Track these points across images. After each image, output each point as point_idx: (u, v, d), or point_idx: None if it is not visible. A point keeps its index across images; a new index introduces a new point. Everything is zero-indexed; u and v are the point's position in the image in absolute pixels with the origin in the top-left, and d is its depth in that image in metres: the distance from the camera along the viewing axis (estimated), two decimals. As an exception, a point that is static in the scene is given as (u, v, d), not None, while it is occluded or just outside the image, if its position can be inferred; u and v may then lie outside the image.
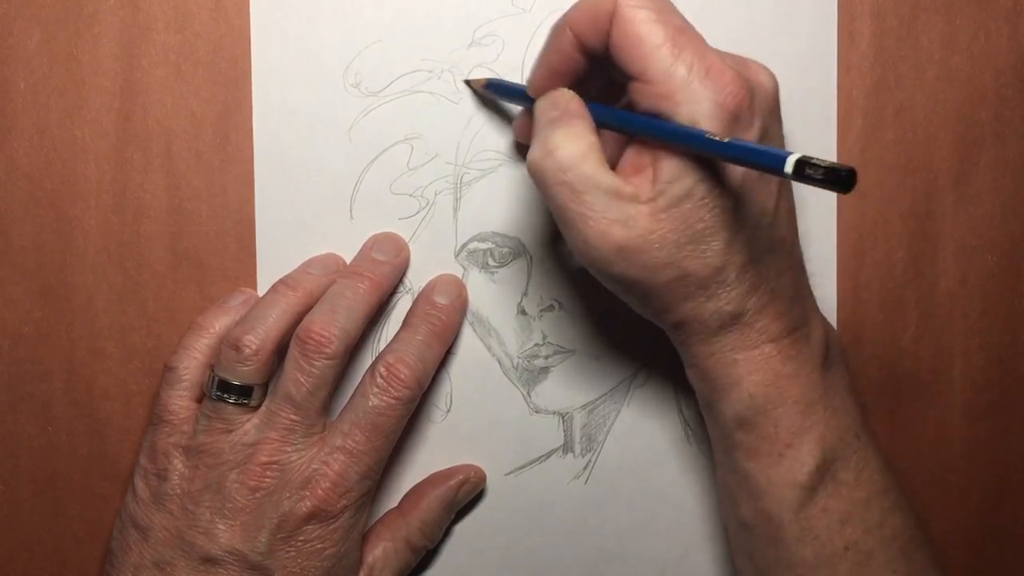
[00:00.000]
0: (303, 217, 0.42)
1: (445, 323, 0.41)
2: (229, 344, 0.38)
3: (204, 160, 0.42)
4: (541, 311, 0.43)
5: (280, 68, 0.41)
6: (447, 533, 0.43)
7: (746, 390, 0.36)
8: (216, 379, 0.38)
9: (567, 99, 0.36)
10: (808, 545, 0.36)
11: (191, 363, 0.40)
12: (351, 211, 0.42)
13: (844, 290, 0.44)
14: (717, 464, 0.40)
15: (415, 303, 0.42)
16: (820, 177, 0.28)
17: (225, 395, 0.38)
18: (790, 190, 0.37)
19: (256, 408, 0.39)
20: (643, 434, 0.44)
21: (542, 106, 0.36)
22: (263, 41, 0.41)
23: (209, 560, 0.37)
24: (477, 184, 0.42)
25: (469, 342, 0.43)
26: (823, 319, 0.38)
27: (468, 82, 0.42)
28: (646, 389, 0.44)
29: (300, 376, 0.38)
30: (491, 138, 0.42)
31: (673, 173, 0.33)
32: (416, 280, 0.42)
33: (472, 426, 0.43)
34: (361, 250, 0.42)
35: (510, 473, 0.44)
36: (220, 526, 0.37)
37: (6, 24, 0.41)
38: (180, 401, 0.39)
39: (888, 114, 0.44)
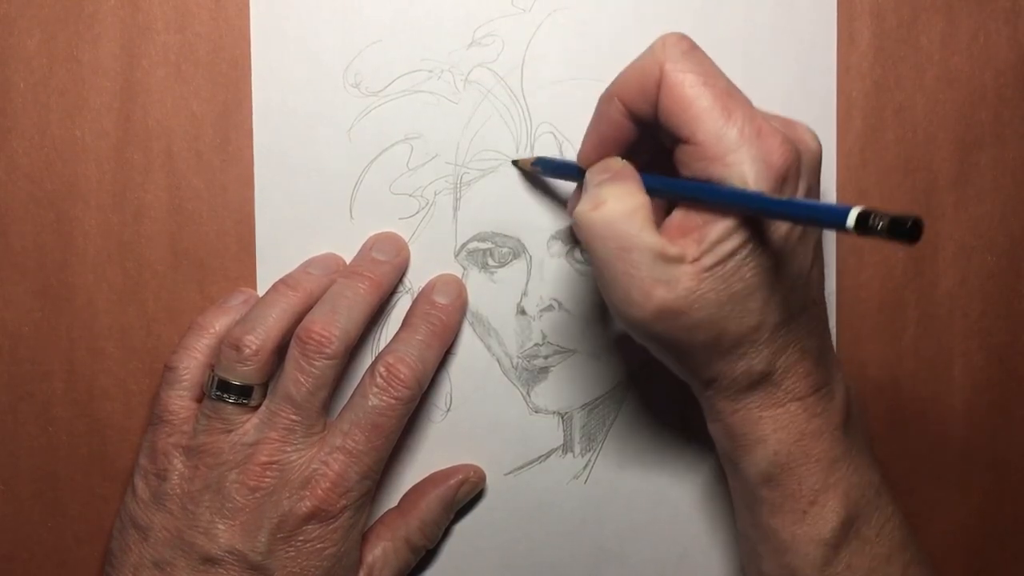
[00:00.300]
0: (303, 217, 0.42)
1: (445, 323, 0.41)
2: (229, 344, 0.38)
3: (204, 160, 0.42)
4: (541, 311, 0.43)
5: (280, 68, 0.41)
6: (447, 533, 0.43)
7: (771, 447, 0.36)
8: (216, 379, 0.38)
9: (618, 164, 0.36)
10: None
11: (191, 363, 0.40)
12: (351, 211, 0.42)
13: (844, 290, 0.44)
14: (739, 517, 0.40)
15: (415, 303, 0.42)
16: (884, 228, 0.27)
17: (225, 395, 0.38)
18: (822, 252, 0.37)
19: (256, 408, 0.39)
20: (643, 434, 0.44)
21: (593, 171, 0.36)
22: (263, 41, 0.41)
23: (209, 560, 0.37)
24: (477, 184, 0.42)
25: (469, 342, 0.43)
26: (845, 381, 0.39)
27: (515, 163, 0.42)
28: (646, 389, 0.44)
29: (300, 376, 0.38)
30: (491, 138, 0.42)
31: (721, 233, 0.33)
32: (416, 280, 0.42)
33: (472, 426, 0.43)
34: (361, 250, 0.42)
35: (510, 473, 0.44)
36: (220, 526, 0.37)
37: (6, 24, 0.41)
38: (180, 401, 0.39)
39: (888, 114, 0.44)
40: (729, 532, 0.44)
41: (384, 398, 0.38)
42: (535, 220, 0.43)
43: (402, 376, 0.39)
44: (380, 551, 0.41)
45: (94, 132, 0.41)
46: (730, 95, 0.34)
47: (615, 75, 0.42)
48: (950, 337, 0.45)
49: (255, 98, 0.41)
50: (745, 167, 0.33)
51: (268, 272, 0.42)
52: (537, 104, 0.42)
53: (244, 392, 0.38)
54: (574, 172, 0.39)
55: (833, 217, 0.29)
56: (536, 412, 0.43)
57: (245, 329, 0.38)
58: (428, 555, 0.43)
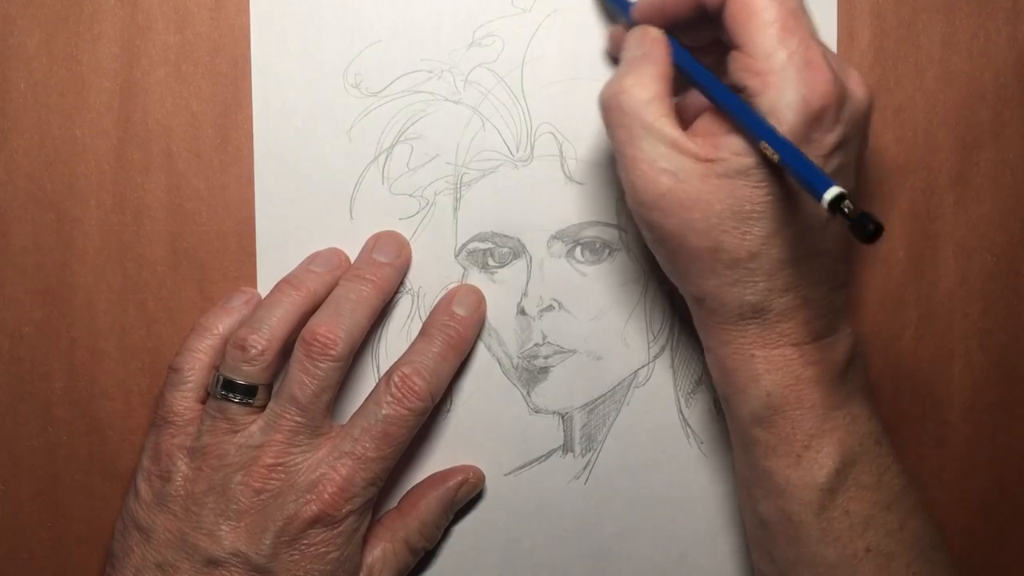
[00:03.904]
0: (303, 217, 0.42)
1: (462, 335, 0.41)
2: (235, 344, 0.38)
3: (204, 160, 0.42)
4: (541, 311, 0.43)
5: (280, 68, 0.41)
6: (447, 533, 0.43)
7: (764, 387, 0.36)
8: (221, 379, 0.38)
9: (652, 39, 0.37)
10: (830, 546, 0.36)
11: (195, 364, 0.40)
12: (351, 211, 0.42)
13: (844, 290, 0.44)
14: (736, 458, 0.40)
15: (433, 312, 0.42)
16: (850, 217, 0.29)
17: (230, 395, 0.38)
18: None
19: (260, 409, 0.38)
20: (643, 434, 0.44)
21: (630, 39, 0.37)
22: (263, 41, 0.41)
23: (212, 562, 0.37)
24: (477, 184, 0.42)
25: (469, 342, 0.43)
26: (853, 334, 0.38)
27: None
28: (646, 389, 0.44)
29: (305, 378, 0.38)
30: (491, 138, 0.42)
31: (739, 147, 0.34)
32: (416, 280, 0.42)
33: (472, 426, 0.43)
34: (362, 251, 0.42)
35: (510, 473, 0.44)
36: (224, 528, 0.37)
37: (6, 24, 0.41)
38: (185, 402, 0.39)
39: (888, 114, 0.44)
40: (729, 532, 0.44)
41: (397, 408, 0.38)
42: (535, 220, 0.43)
43: (417, 388, 0.38)
44: (379, 552, 0.41)
45: (94, 132, 0.41)
46: (795, 16, 0.34)
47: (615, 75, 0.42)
48: (950, 337, 0.45)
49: (255, 98, 0.41)
50: (782, 92, 0.33)
51: (268, 272, 0.42)
52: (537, 104, 0.42)
53: (249, 392, 0.38)
54: (626, 10, 0.39)
55: (816, 184, 0.30)
56: (536, 412, 0.43)
57: (250, 329, 0.38)
58: (428, 555, 0.43)
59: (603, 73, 0.42)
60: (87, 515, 0.42)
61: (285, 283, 0.40)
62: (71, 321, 0.42)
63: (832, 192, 0.29)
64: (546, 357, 0.43)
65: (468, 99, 0.42)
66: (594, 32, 0.42)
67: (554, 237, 0.43)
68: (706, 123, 0.35)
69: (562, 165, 0.42)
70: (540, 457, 0.44)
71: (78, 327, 0.42)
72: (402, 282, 0.42)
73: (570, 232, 0.43)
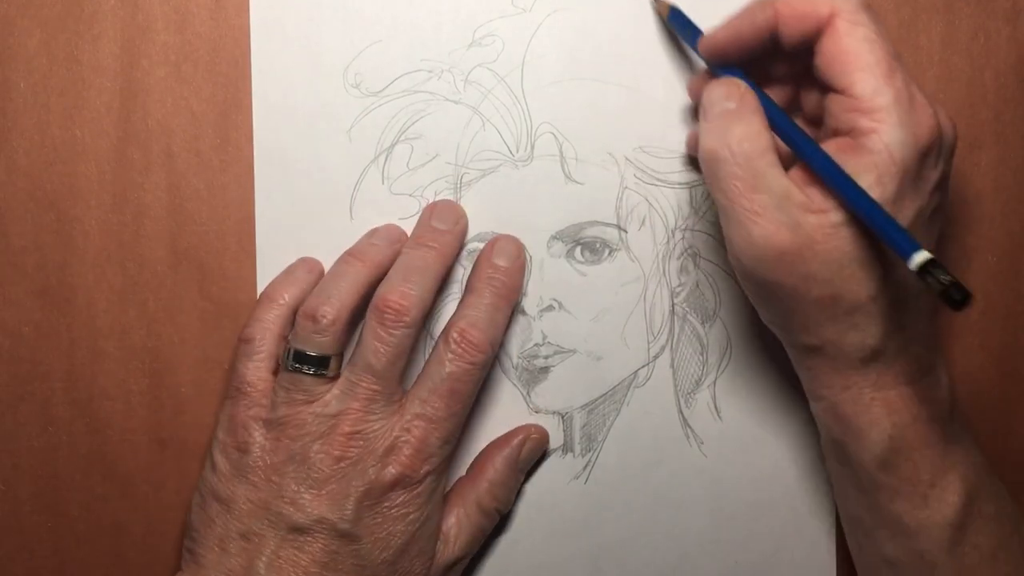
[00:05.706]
0: (303, 217, 0.42)
1: (508, 284, 0.41)
2: (305, 315, 0.38)
3: (204, 160, 0.42)
4: (541, 311, 0.43)
5: (280, 68, 0.41)
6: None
7: (886, 432, 0.36)
8: (292, 351, 0.38)
9: (742, 91, 0.36)
10: None
11: (266, 334, 0.40)
12: (351, 211, 0.42)
13: (844, 290, 0.44)
14: (846, 500, 0.40)
15: (476, 267, 0.41)
16: (940, 284, 0.29)
17: (303, 366, 0.38)
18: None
19: (334, 379, 0.39)
20: (643, 434, 0.44)
21: (717, 93, 0.36)
22: (263, 41, 0.41)
23: (297, 529, 0.38)
24: (477, 184, 0.42)
25: (469, 342, 0.43)
26: (944, 362, 0.38)
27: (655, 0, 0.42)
28: (646, 389, 0.44)
29: (380, 345, 0.38)
30: (491, 138, 0.42)
31: None
32: (416, 280, 0.42)
33: (472, 426, 0.43)
34: (420, 220, 0.42)
35: (510, 473, 0.44)
36: (306, 496, 0.38)
37: (6, 24, 0.41)
38: (258, 372, 0.39)
39: (888, 114, 0.44)
40: (729, 532, 0.44)
41: (459, 364, 0.39)
42: (535, 220, 0.43)
43: (476, 340, 0.39)
44: (454, 519, 0.41)
45: (94, 132, 0.41)
46: (895, 58, 0.34)
47: (615, 75, 0.42)
48: (950, 337, 0.45)
49: (255, 98, 0.41)
50: (893, 131, 0.33)
51: (268, 272, 0.42)
52: (537, 104, 0.42)
53: (322, 363, 0.38)
54: (692, 42, 0.39)
55: (903, 248, 0.31)
56: (536, 412, 0.43)
57: (320, 300, 0.38)
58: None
59: (603, 73, 0.42)
60: (87, 515, 0.42)
61: (349, 255, 0.40)
62: (71, 321, 0.42)
63: (919, 258, 0.30)
64: (546, 357, 0.43)
65: (468, 99, 0.42)
66: (594, 32, 0.42)
67: (554, 237, 0.43)
68: (807, 170, 0.35)
69: (562, 165, 0.42)
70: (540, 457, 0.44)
71: (78, 327, 0.42)
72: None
73: (570, 232, 0.43)
